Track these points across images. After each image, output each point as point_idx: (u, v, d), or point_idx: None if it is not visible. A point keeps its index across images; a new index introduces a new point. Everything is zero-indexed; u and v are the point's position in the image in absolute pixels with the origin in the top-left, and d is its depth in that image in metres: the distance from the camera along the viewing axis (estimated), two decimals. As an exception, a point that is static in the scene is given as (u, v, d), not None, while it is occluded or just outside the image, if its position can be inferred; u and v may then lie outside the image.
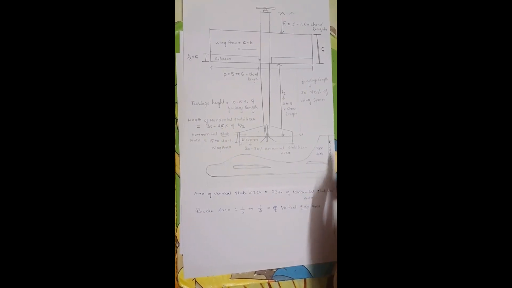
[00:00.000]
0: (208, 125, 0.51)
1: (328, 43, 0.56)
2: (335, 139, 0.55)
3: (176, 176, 0.50)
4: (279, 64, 0.54)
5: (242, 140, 0.52)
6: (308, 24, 0.55)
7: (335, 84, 0.56)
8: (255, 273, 0.51)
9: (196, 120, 0.51)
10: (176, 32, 0.51)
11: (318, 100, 0.55)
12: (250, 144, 0.52)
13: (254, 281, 0.51)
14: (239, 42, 0.53)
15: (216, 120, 0.51)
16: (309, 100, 0.54)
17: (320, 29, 0.55)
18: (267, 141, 0.53)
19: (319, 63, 0.55)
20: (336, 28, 0.56)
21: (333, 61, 0.56)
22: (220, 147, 0.51)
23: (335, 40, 0.56)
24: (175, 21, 0.51)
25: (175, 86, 0.50)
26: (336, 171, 0.52)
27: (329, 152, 0.54)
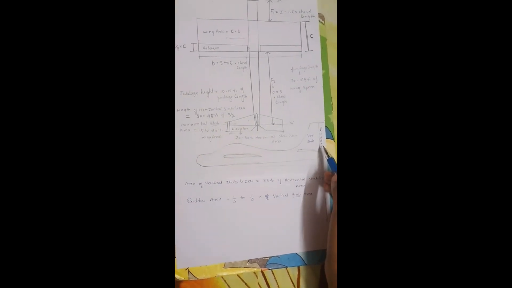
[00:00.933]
0: (198, 115, 0.51)
1: (316, 30, 0.55)
2: (326, 126, 0.55)
3: (166, 166, 0.50)
4: (267, 52, 0.53)
5: (232, 129, 0.52)
6: (296, 12, 0.55)
7: (325, 71, 0.55)
8: (248, 261, 0.51)
9: (185, 110, 0.50)
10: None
11: (308, 87, 0.54)
12: (240, 133, 0.52)
13: (247, 270, 0.51)
14: (226, 31, 0.52)
15: (206, 109, 0.51)
16: (298, 87, 0.54)
17: (308, 16, 0.55)
18: (257, 130, 0.53)
19: (308, 51, 0.55)
20: (324, 15, 0.56)
21: (322, 48, 0.55)
22: (210, 137, 0.51)
23: (324, 27, 0.56)
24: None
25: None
26: (328, 158, 0.52)
27: (320, 139, 0.54)
